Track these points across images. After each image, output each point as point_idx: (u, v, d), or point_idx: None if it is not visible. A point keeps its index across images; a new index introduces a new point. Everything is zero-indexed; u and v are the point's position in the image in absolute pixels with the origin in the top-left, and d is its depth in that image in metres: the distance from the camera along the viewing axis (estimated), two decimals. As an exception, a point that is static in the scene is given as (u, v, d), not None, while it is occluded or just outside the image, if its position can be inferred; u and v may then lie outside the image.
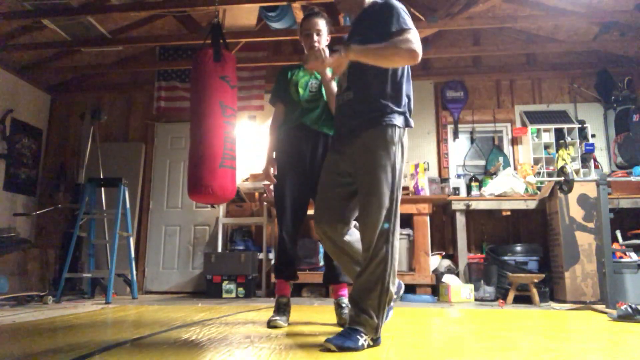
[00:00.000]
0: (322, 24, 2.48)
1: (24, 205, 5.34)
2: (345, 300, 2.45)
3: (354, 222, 2.01)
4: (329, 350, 1.67)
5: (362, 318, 1.75)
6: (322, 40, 2.48)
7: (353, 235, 2.01)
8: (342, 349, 1.66)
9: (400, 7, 1.87)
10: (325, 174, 2.01)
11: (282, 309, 2.45)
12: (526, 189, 4.60)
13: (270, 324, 2.32)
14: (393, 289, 1.81)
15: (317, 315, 2.92)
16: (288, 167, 2.48)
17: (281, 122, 2.58)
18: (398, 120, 1.85)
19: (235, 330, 2.19)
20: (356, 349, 1.67)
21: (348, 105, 1.92)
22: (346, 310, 2.39)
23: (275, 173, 2.54)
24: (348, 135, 1.91)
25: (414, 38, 1.77)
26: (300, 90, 2.52)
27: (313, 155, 2.46)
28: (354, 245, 1.99)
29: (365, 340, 1.72)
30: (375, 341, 1.77)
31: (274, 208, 2.36)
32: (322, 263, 4.55)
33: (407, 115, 1.90)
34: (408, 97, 1.92)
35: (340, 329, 1.86)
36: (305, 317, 2.81)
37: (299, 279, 2.63)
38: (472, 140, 5.34)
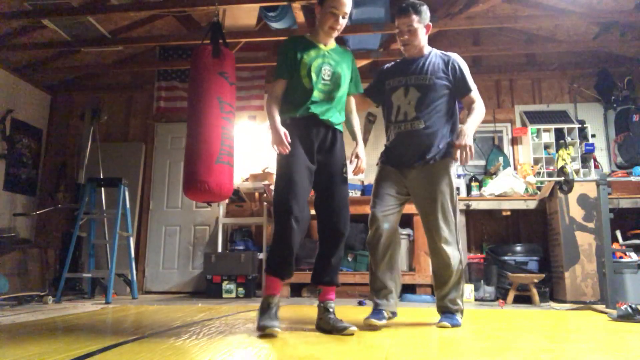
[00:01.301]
0: (415, 19, 2.42)
1: (24, 205, 5.34)
2: (332, 304, 2.25)
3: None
4: (443, 327, 2.30)
5: (456, 307, 2.41)
6: (416, 35, 2.43)
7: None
8: (453, 325, 2.31)
9: (464, 64, 2.49)
10: (382, 187, 2.45)
11: (273, 312, 2.11)
12: (526, 189, 4.60)
13: (267, 332, 2.00)
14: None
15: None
16: (297, 156, 2.19)
17: (282, 101, 2.29)
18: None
19: (235, 330, 2.19)
20: (459, 324, 2.36)
21: (417, 134, 2.35)
22: (332, 316, 2.19)
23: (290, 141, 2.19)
24: (411, 160, 2.37)
25: (478, 97, 2.46)
26: (314, 76, 2.24)
27: (320, 149, 2.26)
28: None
29: (461, 318, 2.41)
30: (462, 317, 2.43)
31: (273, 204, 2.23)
32: (322, 263, 4.55)
33: None
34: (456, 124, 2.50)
35: (318, 333, 2.15)
36: (305, 317, 2.81)
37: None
38: (472, 140, 5.33)
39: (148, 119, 5.69)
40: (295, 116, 2.24)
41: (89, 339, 2.01)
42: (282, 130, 2.15)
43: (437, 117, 2.36)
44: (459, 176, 5.18)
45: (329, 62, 2.29)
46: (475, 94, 2.43)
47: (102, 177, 4.94)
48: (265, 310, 2.10)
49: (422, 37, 2.43)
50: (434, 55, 2.47)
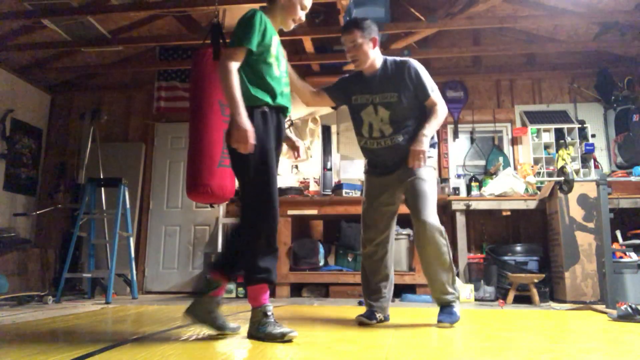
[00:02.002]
0: (358, 35, 2.41)
1: (24, 205, 5.34)
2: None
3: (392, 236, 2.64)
4: (444, 327, 2.27)
5: (448, 297, 2.39)
6: (361, 50, 2.41)
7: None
8: (453, 323, 2.33)
9: (420, 66, 2.48)
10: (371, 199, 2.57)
11: (274, 319, 1.94)
12: (526, 189, 4.60)
13: (290, 337, 1.86)
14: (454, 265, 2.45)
15: (317, 315, 2.92)
16: (272, 150, 2.01)
17: (249, 83, 1.98)
18: (433, 152, 2.56)
19: (238, 331, 2.18)
20: (458, 317, 2.37)
21: (398, 147, 2.43)
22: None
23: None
24: (395, 167, 2.47)
25: (441, 100, 2.48)
26: (280, 63, 2.08)
27: (279, 143, 2.11)
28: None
29: (458, 308, 2.41)
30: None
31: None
32: (322, 263, 4.56)
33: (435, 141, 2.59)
34: None
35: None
36: (304, 317, 2.81)
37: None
38: (472, 140, 5.34)
39: (148, 119, 5.69)
40: (272, 105, 2.00)
41: (89, 339, 2.01)
42: (249, 126, 1.85)
43: (414, 127, 2.43)
44: (458, 176, 5.18)
45: (283, 52, 2.17)
46: (435, 95, 2.46)
47: (102, 177, 4.94)
48: (267, 319, 1.91)
49: (370, 52, 2.44)
50: (390, 67, 2.48)
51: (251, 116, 1.91)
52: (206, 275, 2.18)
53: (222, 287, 2.07)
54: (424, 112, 2.47)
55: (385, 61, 2.51)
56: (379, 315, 2.51)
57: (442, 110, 2.46)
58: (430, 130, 2.39)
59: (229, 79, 1.87)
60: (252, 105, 1.95)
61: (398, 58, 2.53)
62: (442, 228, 2.38)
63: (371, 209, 2.56)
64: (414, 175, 2.41)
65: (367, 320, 2.45)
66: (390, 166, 2.50)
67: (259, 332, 1.90)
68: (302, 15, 2.13)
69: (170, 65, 5.50)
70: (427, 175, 2.45)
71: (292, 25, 2.14)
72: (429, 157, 2.44)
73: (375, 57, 2.48)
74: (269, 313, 1.93)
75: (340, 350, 1.75)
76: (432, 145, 2.51)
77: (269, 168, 1.95)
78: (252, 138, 1.85)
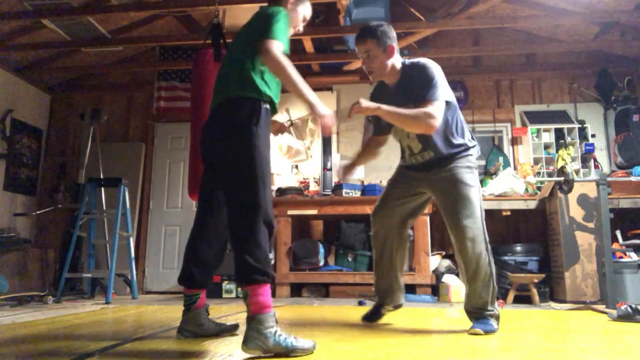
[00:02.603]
0: (372, 44, 2.21)
1: (24, 205, 5.34)
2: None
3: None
4: (476, 334, 2.07)
5: (487, 313, 2.19)
6: (377, 61, 2.22)
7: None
8: (486, 332, 2.10)
9: (437, 71, 2.18)
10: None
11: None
12: (526, 189, 4.60)
13: (312, 349, 1.67)
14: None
15: (317, 315, 2.92)
16: (269, 147, 1.91)
17: (261, 74, 1.88)
18: (473, 152, 2.30)
19: (236, 331, 2.18)
20: (494, 330, 2.15)
21: (430, 162, 2.27)
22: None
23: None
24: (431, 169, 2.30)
25: (437, 112, 2.11)
26: None
27: None
28: None
29: (494, 321, 2.19)
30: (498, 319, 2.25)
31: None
32: (322, 263, 4.56)
33: (475, 145, 2.33)
34: (463, 129, 2.32)
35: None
36: (305, 317, 2.81)
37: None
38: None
39: (148, 119, 5.69)
40: (274, 101, 1.93)
41: (89, 339, 2.01)
42: (328, 109, 1.84)
43: (442, 139, 2.23)
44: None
45: None
46: (434, 103, 2.10)
47: (102, 177, 4.94)
48: (275, 326, 1.66)
49: (387, 61, 2.22)
50: (409, 73, 2.24)
51: (258, 109, 1.82)
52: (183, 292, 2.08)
53: (202, 297, 2.04)
54: (453, 122, 2.25)
55: (403, 67, 2.27)
56: (384, 310, 2.47)
57: (426, 116, 2.07)
58: (391, 110, 2.06)
59: (292, 71, 1.76)
60: (259, 99, 1.84)
61: (416, 60, 2.27)
62: (487, 238, 2.18)
63: (383, 201, 2.43)
64: (453, 179, 2.20)
65: (368, 322, 2.42)
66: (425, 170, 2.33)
67: (279, 344, 1.61)
68: (301, 27, 2.14)
69: (170, 65, 5.50)
70: (469, 178, 2.21)
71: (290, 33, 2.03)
72: (469, 155, 2.25)
73: (393, 64, 2.25)
74: (276, 320, 1.70)
75: (340, 350, 1.75)
76: (471, 147, 2.29)
77: (267, 165, 1.85)
78: (334, 120, 1.84)
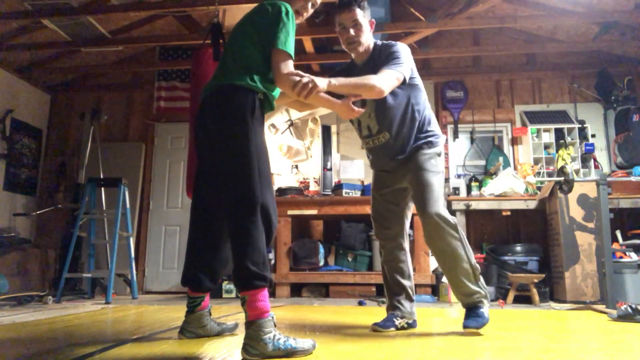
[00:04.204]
0: (359, 14, 2.15)
1: (24, 205, 5.34)
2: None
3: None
4: (474, 334, 2.06)
5: (473, 297, 2.15)
6: (362, 33, 2.16)
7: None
8: (480, 326, 2.08)
9: (404, 50, 2.16)
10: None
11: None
12: (526, 189, 4.60)
13: (312, 350, 1.67)
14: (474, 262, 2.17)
15: (317, 315, 2.92)
16: (265, 142, 1.89)
17: (259, 68, 1.84)
18: (436, 140, 2.25)
19: (235, 331, 2.18)
20: (485, 321, 2.11)
21: (386, 146, 2.24)
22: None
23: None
24: (390, 163, 2.28)
25: (387, 77, 2.02)
26: None
27: None
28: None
29: (487, 309, 2.15)
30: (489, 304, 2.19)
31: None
32: (322, 263, 4.56)
33: (437, 133, 2.27)
34: (430, 120, 2.28)
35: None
36: (305, 317, 2.81)
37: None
38: (472, 140, 5.34)
39: (148, 119, 5.69)
40: (270, 94, 1.87)
41: (89, 339, 2.01)
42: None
43: (401, 124, 2.19)
44: (458, 176, 5.18)
45: None
46: (387, 71, 2.03)
47: (102, 177, 4.94)
48: (274, 330, 1.64)
49: (368, 34, 2.19)
50: (379, 52, 2.20)
51: (251, 99, 1.77)
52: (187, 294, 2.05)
53: (206, 299, 2.02)
54: (418, 110, 2.21)
55: (375, 46, 2.24)
56: (399, 322, 2.26)
57: (376, 80, 1.96)
58: (342, 81, 1.89)
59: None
60: (253, 90, 1.78)
61: (388, 42, 2.24)
62: (453, 219, 2.13)
63: (376, 201, 2.38)
64: (417, 168, 2.18)
65: (381, 329, 2.21)
66: (385, 164, 2.32)
67: (278, 348, 1.60)
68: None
69: (170, 65, 5.50)
70: (432, 165, 2.19)
71: (297, 20, 1.97)
72: (431, 141, 2.21)
73: (371, 41, 2.24)
74: (275, 323, 1.68)
75: (340, 350, 1.75)
76: (434, 143, 2.24)
77: (265, 160, 1.80)
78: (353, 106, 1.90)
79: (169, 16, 4.93)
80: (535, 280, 3.82)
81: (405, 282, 2.36)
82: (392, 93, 2.12)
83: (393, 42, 2.23)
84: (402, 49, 2.16)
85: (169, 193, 5.56)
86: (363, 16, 2.16)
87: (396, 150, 2.23)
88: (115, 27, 5.03)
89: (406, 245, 2.41)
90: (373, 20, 2.23)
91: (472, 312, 2.15)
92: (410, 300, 2.35)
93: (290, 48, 1.79)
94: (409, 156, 2.22)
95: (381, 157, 2.31)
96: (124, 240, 4.51)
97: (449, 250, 2.12)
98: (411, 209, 2.39)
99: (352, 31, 2.16)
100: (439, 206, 2.13)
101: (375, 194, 2.40)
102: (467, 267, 2.13)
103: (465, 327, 2.10)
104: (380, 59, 2.16)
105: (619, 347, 1.88)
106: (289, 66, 1.76)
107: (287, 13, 1.81)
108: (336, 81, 1.86)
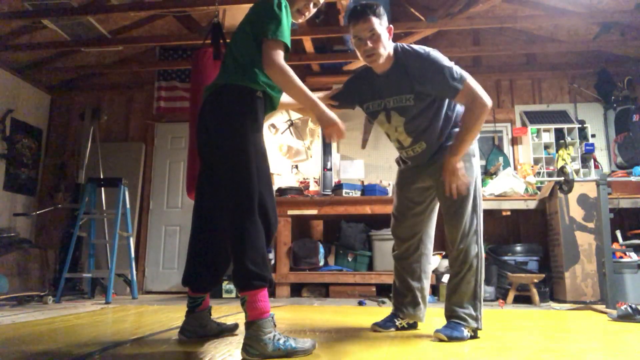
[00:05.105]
0: (376, 22, 1.95)
1: (24, 205, 5.34)
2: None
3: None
4: (440, 340, 1.92)
5: (462, 313, 2.00)
6: (381, 43, 1.96)
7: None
8: (451, 338, 1.93)
9: (439, 55, 1.98)
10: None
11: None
12: (526, 189, 4.60)
13: (313, 351, 1.68)
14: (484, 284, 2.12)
15: (317, 315, 2.92)
16: (263, 141, 1.89)
17: (257, 67, 1.81)
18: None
19: (236, 330, 2.18)
20: (462, 338, 1.95)
21: (422, 154, 2.12)
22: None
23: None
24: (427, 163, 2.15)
25: (476, 91, 1.95)
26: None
27: None
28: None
29: (468, 331, 1.99)
30: (476, 332, 2.03)
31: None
32: (322, 263, 4.56)
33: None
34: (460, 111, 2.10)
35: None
36: (305, 317, 2.81)
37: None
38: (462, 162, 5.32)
39: (148, 119, 5.69)
40: (269, 93, 1.84)
41: (89, 339, 2.01)
42: (335, 116, 1.80)
43: (434, 131, 2.06)
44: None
45: None
46: (468, 88, 1.93)
47: (102, 177, 4.94)
48: (274, 330, 1.64)
49: (387, 43, 1.98)
50: (405, 59, 2.00)
51: (252, 99, 1.77)
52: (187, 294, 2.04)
53: (207, 299, 2.02)
54: (448, 114, 2.07)
55: (397, 52, 2.02)
56: (399, 322, 2.23)
57: (478, 107, 1.92)
58: (460, 144, 1.93)
59: (294, 78, 1.72)
60: (254, 89, 1.78)
61: (408, 47, 2.03)
62: (481, 252, 2.03)
63: (399, 199, 2.25)
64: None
65: (381, 329, 2.19)
66: (424, 163, 2.17)
67: (278, 349, 1.60)
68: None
69: (170, 65, 5.50)
70: (468, 170, 2.03)
71: (300, 19, 1.96)
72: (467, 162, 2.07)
73: (391, 49, 2.01)
74: (275, 324, 1.68)
75: (340, 350, 1.75)
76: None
77: (264, 160, 1.81)
78: (342, 125, 1.80)
79: (169, 16, 4.93)
80: (535, 280, 3.82)
81: (414, 284, 2.23)
82: (419, 104, 2.00)
83: (419, 48, 2.02)
84: (437, 54, 1.99)
85: (169, 193, 5.56)
86: (380, 24, 1.96)
87: (434, 150, 2.10)
88: (115, 27, 5.03)
89: (425, 248, 2.25)
90: (391, 26, 2.02)
91: (453, 325, 2.00)
92: (415, 304, 2.23)
93: (284, 37, 1.74)
94: (441, 156, 2.07)
95: (419, 159, 2.16)
96: (124, 240, 4.51)
97: (470, 256, 2.04)
98: (436, 211, 2.26)
99: (369, 43, 1.95)
100: (471, 233, 2.02)
101: (398, 192, 2.27)
102: (473, 281, 2.03)
103: (436, 331, 1.97)
104: (409, 70, 1.97)
105: (619, 347, 1.88)
106: (278, 55, 1.72)
107: (279, 4, 1.78)
108: (449, 152, 1.96)
